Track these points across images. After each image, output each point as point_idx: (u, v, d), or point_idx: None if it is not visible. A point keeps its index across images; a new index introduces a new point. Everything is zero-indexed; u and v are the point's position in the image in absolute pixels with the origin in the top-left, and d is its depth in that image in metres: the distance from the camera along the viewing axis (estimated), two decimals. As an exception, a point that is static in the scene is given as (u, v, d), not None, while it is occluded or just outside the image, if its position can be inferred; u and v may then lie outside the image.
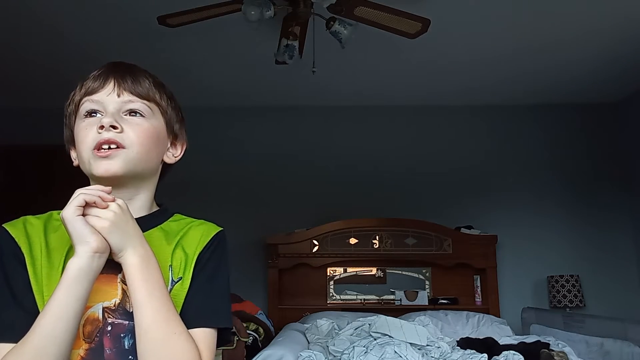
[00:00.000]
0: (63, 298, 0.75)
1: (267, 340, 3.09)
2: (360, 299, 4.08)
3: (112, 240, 0.78)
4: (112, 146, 0.84)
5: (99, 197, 0.78)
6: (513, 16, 3.01)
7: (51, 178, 4.07)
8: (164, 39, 3.15)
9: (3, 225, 0.86)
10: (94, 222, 0.78)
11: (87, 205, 0.78)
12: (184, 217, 0.97)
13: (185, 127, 0.99)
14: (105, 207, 0.79)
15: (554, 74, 3.82)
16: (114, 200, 0.80)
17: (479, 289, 4.03)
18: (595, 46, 3.39)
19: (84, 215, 0.78)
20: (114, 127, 0.84)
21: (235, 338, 2.54)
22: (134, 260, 0.79)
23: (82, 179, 0.90)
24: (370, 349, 2.48)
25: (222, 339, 0.88)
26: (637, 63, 3.62)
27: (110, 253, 0.80)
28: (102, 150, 0.84)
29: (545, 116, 4.41)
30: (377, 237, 4.02)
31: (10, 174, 4.25)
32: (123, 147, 0.85)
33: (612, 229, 4.20)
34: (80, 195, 0.77)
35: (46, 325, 0.74)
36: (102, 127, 0.84)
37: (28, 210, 0.94)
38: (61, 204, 0.80)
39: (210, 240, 0.91)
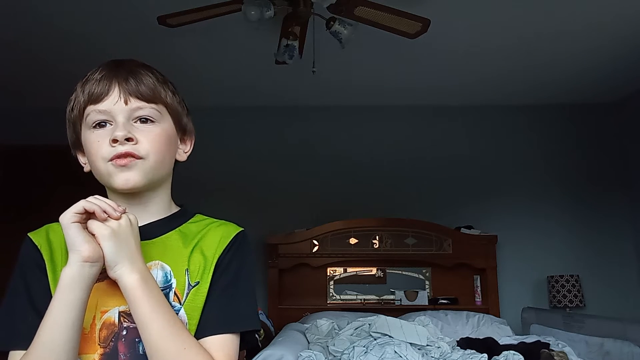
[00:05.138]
0: (58, 307, 0.75)
1: (267, 340, 3.09)
2: (360, 299, 4.08)
3: (108, 250, 0.76)
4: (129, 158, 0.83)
5: (104, 210, 0.77)
6: (514, 15, 3.01)
7: (51, 179, 4.08)
8: (164, 38, 3.15)
9: (28, 234, 0.87)
10: (94, 227, 0.77)
11: (87, 213, 0.77)
12: (204, 217, 0.95)
13: (190, 118, 0.97)
14: (104, 219, 0.77)
15: (555, 74, 3.82)
16: (124, 212, 0.79)
17: (479, 289, 4.03)
18: (595, 46, 3.38)
19: (86, 222, 0.77)
20: (129, 140, 0.83)
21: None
22: (133, 277, 0.77)
23: (84, 181, 0.89)
24: (370, 349, 2.49)
25: (247, 341, 0.87)
26: (637, 63, 3.62)
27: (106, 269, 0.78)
28: (121, 159, 0.82)
29: (545, 116, 4.41)
30: (377, 237, 4.02)
31: (9, 174, 4.25)
32: (139, 158, 0.83)
33: (612, 229, 4.20)
34: (80, 202, 0.76)
35: (44, 335, 0.74)
36: (115, 140, 0.82)
37: (27, 210, 0.94)
38: (61, 206, 0.79)
39: (230, 242, 0.88)
